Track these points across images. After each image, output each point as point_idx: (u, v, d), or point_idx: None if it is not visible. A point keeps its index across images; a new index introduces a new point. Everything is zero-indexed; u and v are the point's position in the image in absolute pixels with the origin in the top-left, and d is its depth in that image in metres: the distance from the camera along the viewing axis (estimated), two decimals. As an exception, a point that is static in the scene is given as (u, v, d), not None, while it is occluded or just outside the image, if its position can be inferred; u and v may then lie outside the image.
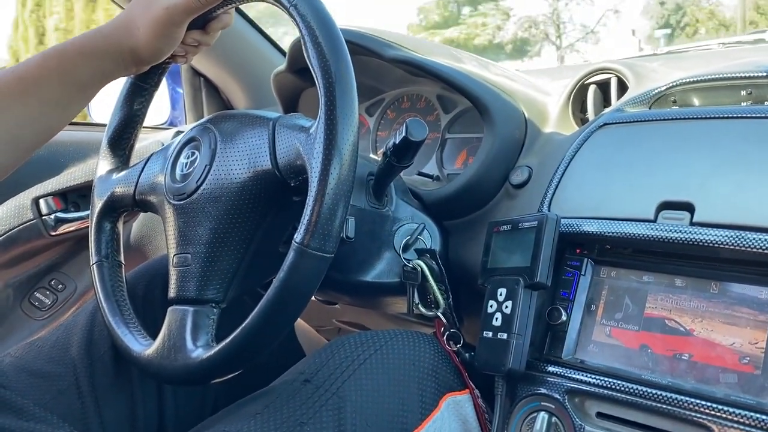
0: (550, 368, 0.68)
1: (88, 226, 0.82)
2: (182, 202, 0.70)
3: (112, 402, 0.76)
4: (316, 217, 0.58)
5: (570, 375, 0.67)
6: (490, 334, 0.71)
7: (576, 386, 0.66)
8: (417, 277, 0.81)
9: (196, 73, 1.36)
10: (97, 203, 0.81)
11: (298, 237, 0.58)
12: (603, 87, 0.92)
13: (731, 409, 0.57)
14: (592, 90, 0.91)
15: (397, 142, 0.72)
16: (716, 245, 0.62)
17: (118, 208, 0.81)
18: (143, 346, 0.71)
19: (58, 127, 0.74)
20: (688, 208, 0.65)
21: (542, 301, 0.71)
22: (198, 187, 0.69)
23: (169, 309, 0.70)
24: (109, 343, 0.77)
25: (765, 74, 0.75)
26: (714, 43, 1.22)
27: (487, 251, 0.77)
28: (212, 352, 0.63)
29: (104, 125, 0.85)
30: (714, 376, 0.60)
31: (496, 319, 0.70)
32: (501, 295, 0.71)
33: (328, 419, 0.66)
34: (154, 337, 0.71)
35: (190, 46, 0.78)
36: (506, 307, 0.70)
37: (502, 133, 0.86)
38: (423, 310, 0.82)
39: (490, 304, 0.72)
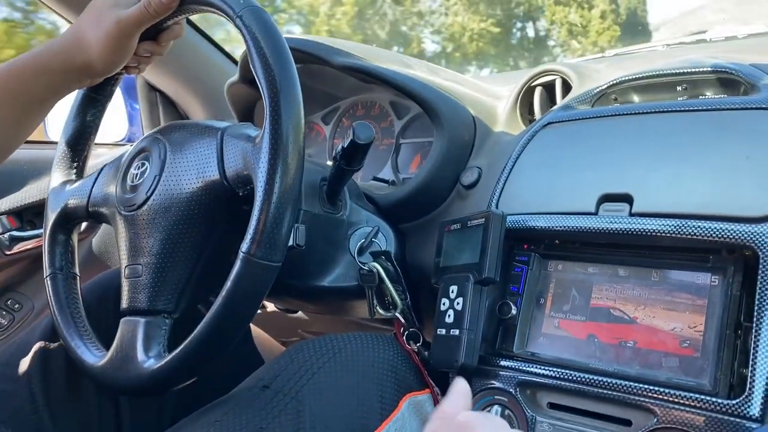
0: (503, 362, 0.70)
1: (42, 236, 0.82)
2: (132, 212, 0.70)
3: (68, 417, 0.75)
4: (262, 227, 0.58)
5: (521, 368, 0.68)
6: (444, 331, 0.72)
7: (527, 378, 0.68)
8: (374, 279, 0.82)
9: (152, 88, 1.36)
10: (51, 215, 0.81)
11: (244, 246, 0.59)
12: (549, 89, 0.95)
13: (673, 391, 0.58)
14: (538, 91, 0.94)
15: (345, 146, 0.73)
16: (655, 234, 0.64)
17: (72, 220, 0.81)
18: (97, 358, 0.71)
19: (15, 145, 0.74)
20: (627, 199, 0.67)
21: (493, 296, 0.73)
22: (148, 198, 0.69)
23: (122, 320, 0.70)
24: (63, 358, 0.77)
25: (699, 69, 0.79)
26: (659, 44, 1.26)
27: (439, 251, 0.78)
28: (163, 362, 0.63)
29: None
30: (657, 360, 0.62)
31: (449, 316, 0.72)
32: (452, 292, 0.72)
33: (287, 423, 0.66)
34: (107, 348, 0.71)
35: (142, 57, 0.78)
36: (458, 303, 0.71)
37: (452, 136, 0.87)
38: (381, 311, 0.83)
39: (443, 302, 0.73)
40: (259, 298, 0.61)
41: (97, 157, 1.23)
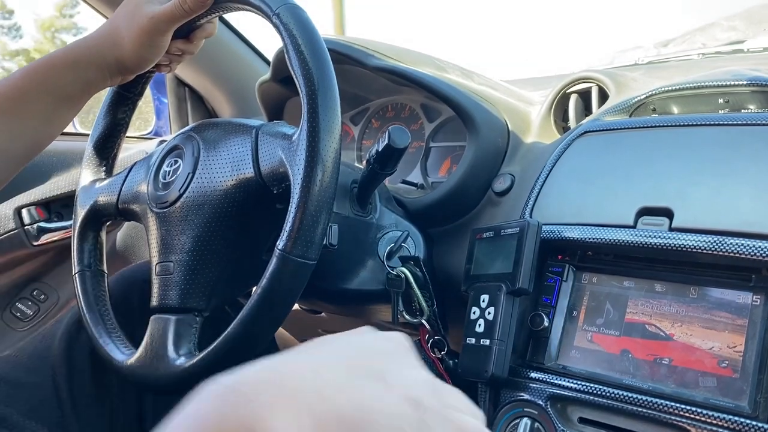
0: (533, 374, 0.69)
1: (70, 236, 0.82)
2: (165, 210, 0.70)
3: (92, 412, 0.75)
4: (298, 224, 0.58)
5: (552, 381, 0.67)
6: (473, 340, 0.71)
7: (558, 392, 0.67)
8: (401, 284, 0.81)
9: (180, 82, 1.36)
10: (80, 212, 0.81)
11: (280, 244, 0.58)
12: (584, 96, 0.93)
13: (710, 413, 0.57)
14: (573, 99, 0.92)
15: (380, 149, 0.73)
16: (695, 250, 0.63)
17: (101, 217, 0.81)
18: (125, 356, 0.71)
19: (48, 140, 0.74)
20: (667, 213, 0.66)
21: (525, 307, 0.72)
22: (181, 195, 0.69)
23: (152, 318, 0.70)
24: (88, 352, 0.77)
25: (741, 82, 0.77)
26: (694, 53, 1.24)
27: (470, 258, 0.77)
28: (194, 360, 0.63)
29: (88, 135, 0.85)
30: (693, 379, 0.61)
31: (479, 325, 0.71)
32: (484, 301, 0.71)
33: None
34: (133, 344, 0.71)
35: (174, 55, 0.78)
36: (489, 313, 0.70)
37: (485, 142, 0.86)
38: (407, 317, 0.82)
39: (473, 311, 0.72)
40: (295, 295, 0.61)
41: (124, 150, 1.24)
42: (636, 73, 0.99)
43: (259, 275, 0.60)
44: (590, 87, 0.92)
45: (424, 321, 0.81)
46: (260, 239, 0.73)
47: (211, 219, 0.67)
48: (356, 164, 1.09)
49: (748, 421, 0.55)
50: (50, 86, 0.70)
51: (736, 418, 0.56)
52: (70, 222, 0.85)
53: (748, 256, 0.60)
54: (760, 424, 0.55)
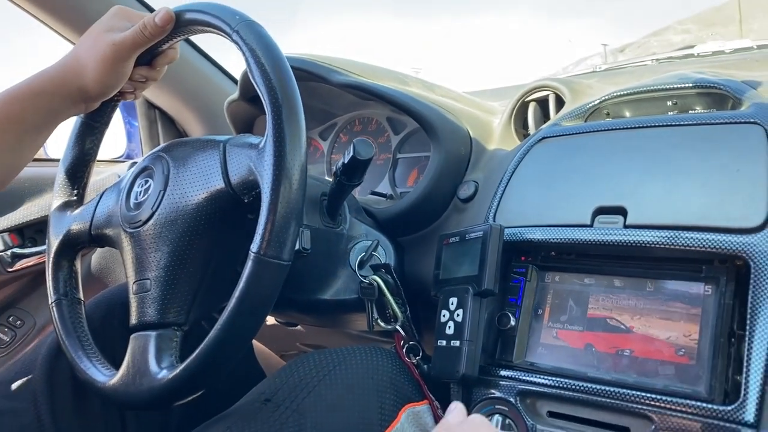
0: (502, 372, 0.71)
1: (45, 262, 0.82)
2: (138, 229, 0.71)
3: None
4: (270, 226, 0.59)
5: (521, 377, 0.70)
6: (444, 342, 0.73)
7: (527, 388, 0.69)
8: (374, 292, 0.83)
9: (151, 105, 1.38)
10: (54, 242, 0.81)
11: (254, 247, 0.60)
12: (543, 104, 0.97)
13: (670, 399, 0.60)
14: (532, 107, 0.96)
15: (345, 161, 0.75)
16: (649, 245, 0.66)
17: (75, 246, 0.81)
18: (107, 377, 0.70)
19: (17, 170, 0.75)
20: (621, 211, 0.69)
21: (492, 308, 0.74)
22: (153, 213, 0.70)
23: (132, 336, 0.70)
24: (68, 375, 0.77)
25: (687, 85, 0.81)
26: (648, 59, 1.29)
27: (438, 263, 0.80)
28: (177, 371, 0.63)
29: (58, 160, 0.85)
30: (653, 369, 0.64)
31: (449, 327, 0.73)
32: (452, 304, 0.74)
33: None
34: (115, 366, 0.71)
35: (137, 82, 0.79)
36: (458, 315, 0.72)
37: (448, 151, 0.89)
38: (382, 324, 0.84)
39: (442, 314, 0.75)
40: (272, 297, 0.62)
41: (96, 174, 1.24)
42: (592, 80, 1.03)
43: (234, 287, 0.62)
44: (548, 95, 0.95)
45: (398, 327, 0.83)
46: (234, 251, 0.74)
47: (184, 233, 0.68)
48: (326, 178, 1.12)
49: (704, 405, 0.58)
50: (15, 118, 0.71)
51: (694, 402, 0.59)
52: (45, 247, 0.85)
53: (699, 249, 0.63)
54: (715, 407, 0.58)
